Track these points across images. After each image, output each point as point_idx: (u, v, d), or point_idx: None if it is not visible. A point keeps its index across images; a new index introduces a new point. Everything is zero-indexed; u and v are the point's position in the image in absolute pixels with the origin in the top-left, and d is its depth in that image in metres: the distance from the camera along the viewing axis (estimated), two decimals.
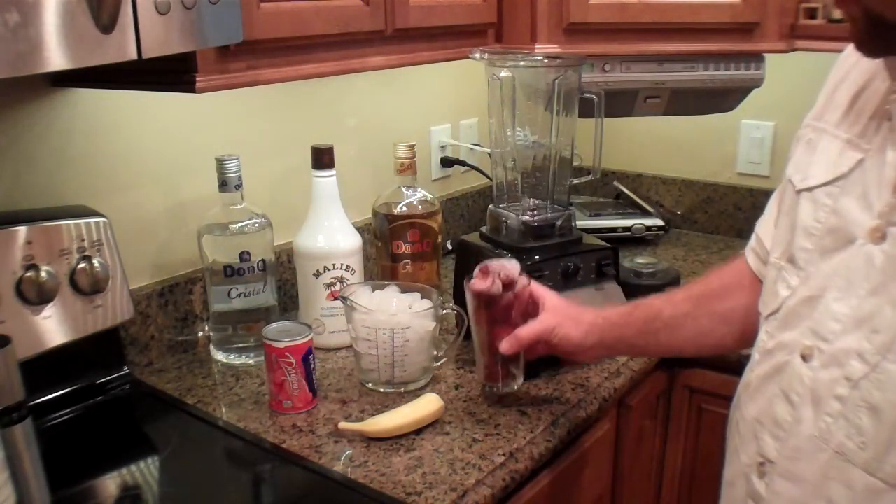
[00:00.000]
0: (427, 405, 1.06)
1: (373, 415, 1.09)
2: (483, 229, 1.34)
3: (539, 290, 1.09)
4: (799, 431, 0.77)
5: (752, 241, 1.01)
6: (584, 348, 1.06)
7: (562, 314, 1.06)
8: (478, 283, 1.05)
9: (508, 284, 1.05)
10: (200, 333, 1.33)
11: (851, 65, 0.85)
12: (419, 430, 1.06)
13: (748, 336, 0.94)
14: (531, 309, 1.08)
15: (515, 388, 1.12)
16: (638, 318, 1.06)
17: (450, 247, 1.70)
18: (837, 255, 0.77)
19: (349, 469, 0.98)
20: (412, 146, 1.39)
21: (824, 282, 0.77)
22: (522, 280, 1.07)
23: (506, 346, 1.05)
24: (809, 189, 0.82)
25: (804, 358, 0.77)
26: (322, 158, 1.26)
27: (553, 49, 1.39)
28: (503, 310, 1.06)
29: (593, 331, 1.05)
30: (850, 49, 0.86)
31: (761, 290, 0.92)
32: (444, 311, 1.17)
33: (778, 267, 0.86)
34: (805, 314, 0.79)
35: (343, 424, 1.06)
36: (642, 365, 1.28)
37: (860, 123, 0.79)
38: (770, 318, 0.85)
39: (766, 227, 0.98)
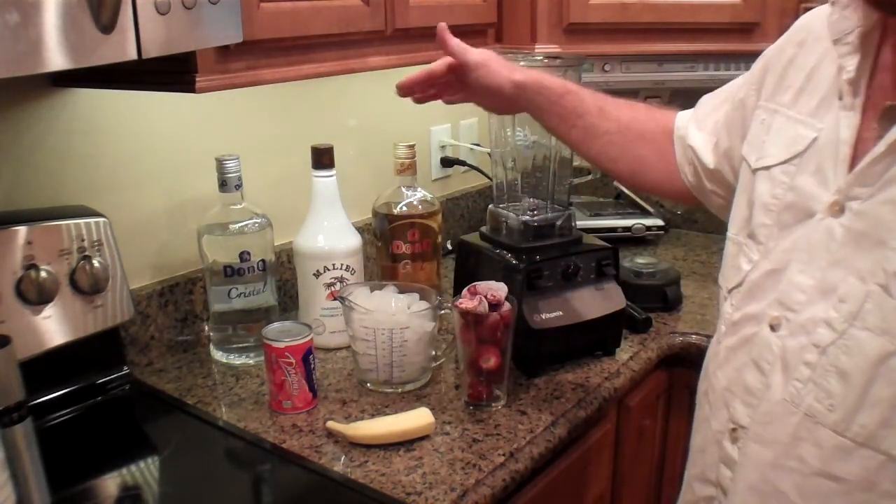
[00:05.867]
0: (414, 419, 1.05)
1: (373, 415, 1.09)
2: (483, 229, 1.34)
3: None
4: (769, 397, 0.80)
5: (688, 136, 1.05)
6: (509, 86, 1.03)
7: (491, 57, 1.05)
8: (465, 302, 1.08)
9: (495, 305, 1.08)
10: (201, 333, 1.33)
11: (795, 50, 0.88)
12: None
13: (653, 181, 1.11)
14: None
15: (499, 407, 1.12)
16: (567, 104, 1.05)
17: (450, 247, 1.70)
18: (797, 230, 0.80)
19: (349, 469, 0.98)
20: (412, 146, 1.39)
21: (786, 255, 0.81)
22: (509, 303, 1.09)
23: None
24: (767, 168, 0.85)
25: (772, 328, 0.81)
26: (322, 158, 1.26)
27: (553, 49, 1.39)
28: (489, 329, 1.08)
29: (527, 77, 1.03)
30: (787, 36, 0.91)
31: (674, 165, 1.06)
32: (443, 312, 1.17)
33: (737, 242, 0.90)
34: (770, 286, 0.82)
35: (331, 424, 1.06)
36: (642, 365, 1.28)
37: (811, 104, 0.83)
38: (734, 292, 0.89)
39: (701, 141, 1.04)
